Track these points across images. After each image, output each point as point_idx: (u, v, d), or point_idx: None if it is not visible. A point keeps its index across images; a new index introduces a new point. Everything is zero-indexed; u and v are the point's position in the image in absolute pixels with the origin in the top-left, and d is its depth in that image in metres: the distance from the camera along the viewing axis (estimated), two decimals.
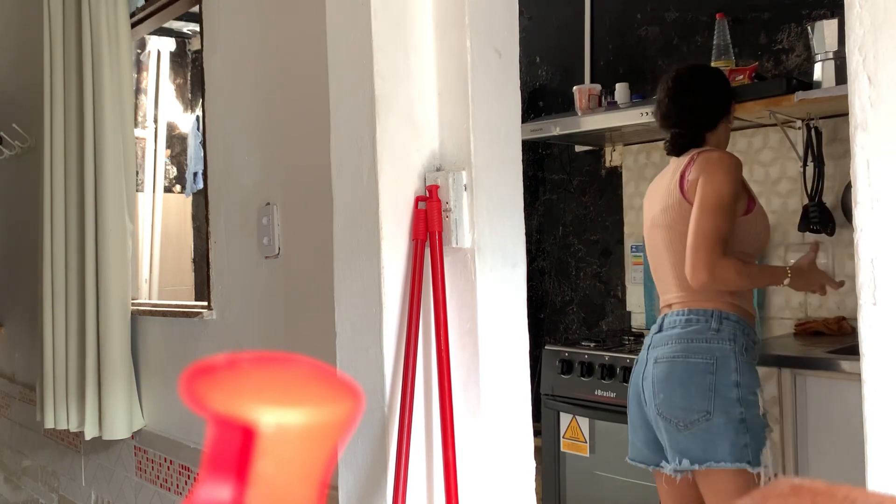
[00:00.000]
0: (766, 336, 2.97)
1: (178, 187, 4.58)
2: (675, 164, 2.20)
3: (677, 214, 2.10)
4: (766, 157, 2.99)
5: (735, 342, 2.01)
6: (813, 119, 2.73)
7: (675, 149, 2.20)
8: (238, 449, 0.32)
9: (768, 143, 2.99)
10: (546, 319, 3.67)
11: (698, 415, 1.96)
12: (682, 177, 2.10)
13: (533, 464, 1.61)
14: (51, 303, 2.63)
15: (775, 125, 2.84)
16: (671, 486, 2.11)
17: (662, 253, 2.17)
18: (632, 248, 3.40)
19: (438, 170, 1.58)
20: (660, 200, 2.18)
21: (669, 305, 2.13)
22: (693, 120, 2.17)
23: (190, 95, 4.62)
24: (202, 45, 2.26)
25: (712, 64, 2.89)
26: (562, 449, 2.86)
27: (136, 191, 2.84)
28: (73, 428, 2.61)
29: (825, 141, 2.77)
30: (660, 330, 2.10)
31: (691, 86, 2.20)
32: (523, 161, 1.64)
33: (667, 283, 2.16)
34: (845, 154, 2.65)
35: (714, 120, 2.18)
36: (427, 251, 1.55)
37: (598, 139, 3.37)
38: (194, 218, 4.56)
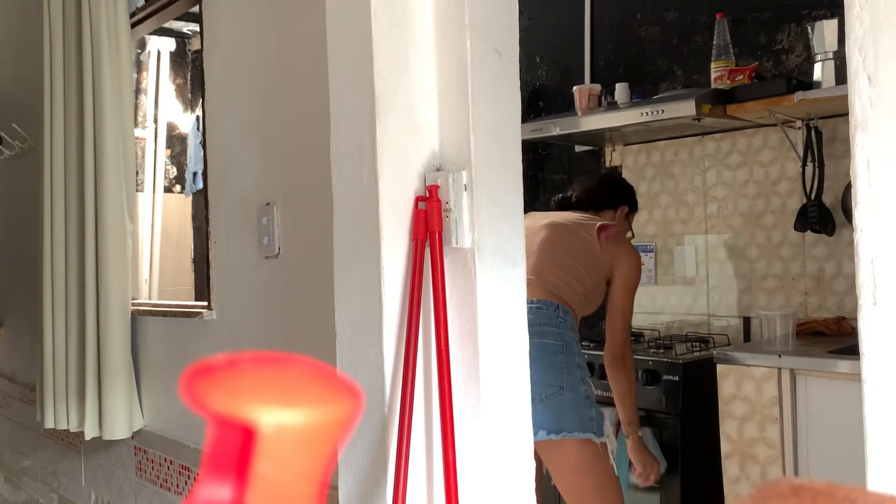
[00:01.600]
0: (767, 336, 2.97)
1: (178, 187, 4.58)
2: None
3: (583, 245, 2.42)
4: (766, 157, 2.99)
5: (575, 333, 2.34)
6: (813, 119, 2.73)
7: (560, 206, 2.63)
8: (238, 449, 0.32)
9: (768, 143, 2.99)
10: None
11: (552, 389, 2.20)
12: (600, 232, 2.43)
13: (533, 464, 1.61)
14: (51, 303, 2.63)
15: (775, 125, 2.84)
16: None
17: (543, 247, 2.40)
18: None
19: (438, 170, 1.58)
20: (570, 218, 2.49)
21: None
22: (588, 197, 2.62)
23: (190, 95, 4.62)
24: (202, 45, 2.26)
25: (712, 64, 2.90)
26: None
27: (136, 191, 2.84)
28: (73, 428, 2.61)
29: (825, 141, 2.77)
30: None
31: (604, 183, 2.71)
32: (523, 161, 1.64)
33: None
34: (845, 154, 2.65)
35: (602, 205, 2.61)
36: (427, 251, 1.55)
37: (598, 139, 3.37)
38: (194, 218, 4.56)
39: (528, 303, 2.27)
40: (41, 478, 3.34)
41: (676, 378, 2.71)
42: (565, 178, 3.62)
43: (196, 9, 2.30)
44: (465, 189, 1.52)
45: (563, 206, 2.67)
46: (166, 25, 3.73)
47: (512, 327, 1.58)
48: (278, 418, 0.31)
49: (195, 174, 4.34)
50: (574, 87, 3.14)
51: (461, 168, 1.53)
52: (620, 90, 3.05)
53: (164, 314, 2.47)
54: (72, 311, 2.57)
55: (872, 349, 0.97)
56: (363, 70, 1.54)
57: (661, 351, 2.88)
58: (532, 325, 2.25)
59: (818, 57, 2.53)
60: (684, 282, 3.27)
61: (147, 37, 4.17)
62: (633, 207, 2.70)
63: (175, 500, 2.40)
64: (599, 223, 2.48)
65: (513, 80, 1.61)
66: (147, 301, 3.22)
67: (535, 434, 2.17)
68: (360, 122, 1.55)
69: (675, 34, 3.24)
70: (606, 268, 2.46)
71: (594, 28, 3.49)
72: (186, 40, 4.55)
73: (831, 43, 2.49)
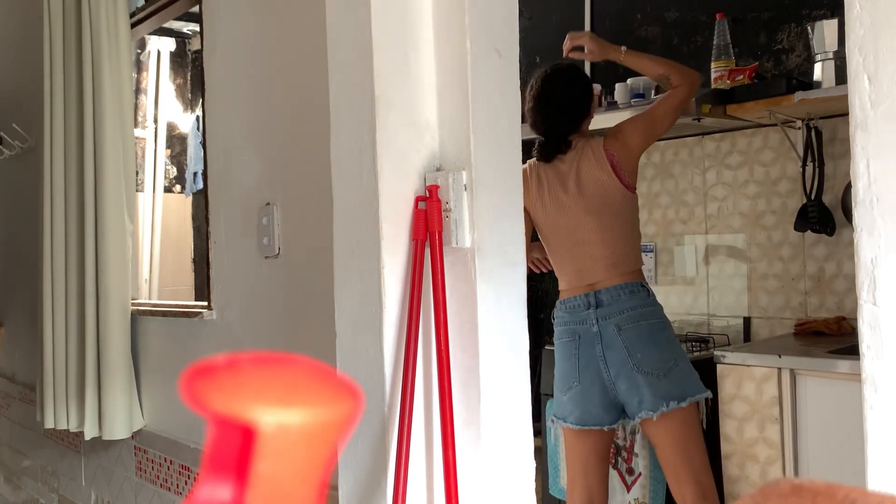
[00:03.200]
0: (767, 336, 2.97)
1: (178, 187, 4.58)
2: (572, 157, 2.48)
3: (622, 202, 2.44)
4: (766, 157, 2.99)
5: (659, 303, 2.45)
6: (813, 119, 2.73)
7: (544, 156, 2.50)
8: (238, 449, 0.32)
9: (768, 143, 2.98)
10: (546, 319, 3.67)
11: (670, 363, 2.34)
12: (612, 166, 2.41)
13: (533, 464, 1.61)
14: (51, 303, 2.63)
15: (775, 125, 2.84)
16: (601, 441, 2.48)
17: (593, 238, 2.43)
18: None
19: (438, 170, 1.58)
20: (590, 191, 2.44)
21: (593, 284, 2.42)
22: (558, 129, 2.49)
23: (190, 95, 4.62)
24: (202, 45, 2.26)
25: (712, 64, 2.89)
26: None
27: (136, 191, 2.84)
28: (73, 428, 2.61)
29: (825, 141, 2.77)
30: (598, 305, 2.39)
31: (554, 93, 2.51)
32: (523, 161, 1.64)
33: (594, 265, 2.43)
34: (845, 154, 2.65)
35: (578, 124, 2.52)
36: (427, 251, 1.55)
37: None
38: (194, 218, 4.56)
39: (615, 289, 2.39)
40: (41, 478, 3.34)
41: None
42: None
43: (196, 9, 2.30)
44: (465, 189, 1.52)
45: (546, 156, 2.52)
46: (166, 25, 3.73)
47: (512, 327, 1.58)
48: (278, 418, 0.31)
49: (195, 174, 4.34)
50: None
51: (461, 168, 1.53)
52: (620, 90, 3.05)
53: (164, 314, 2.47)
54: (72, 311, 2.57)
55: (872, 349, 0.97)
56: (363, 70, 1.54)
57: None
58: (634, 309, 2.39)
59: (818, 57, 2.53)
60: (684, 282, 3.27)
61: (147, 37, 4.17)
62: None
63: (175, 500, 2.40)
64: (598, 143, 2.45)
65: (513, 80, 1.61)
66: (147, 301, 3.22)
67: (667, 406, 2.29)
68: (360, 122, 1.55)
69: (675, 34, 3.24)
70: (624, 168, 2.45)
71: (594, 28, 3.49)
72: (186, 40, 4.55)
73: (831, 43, 2.49)
